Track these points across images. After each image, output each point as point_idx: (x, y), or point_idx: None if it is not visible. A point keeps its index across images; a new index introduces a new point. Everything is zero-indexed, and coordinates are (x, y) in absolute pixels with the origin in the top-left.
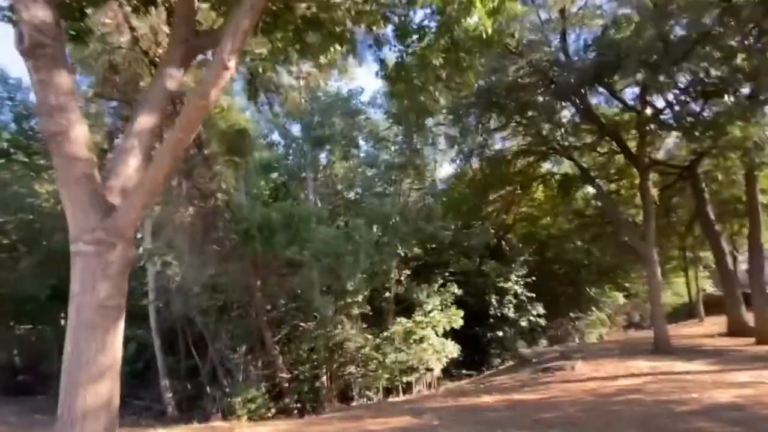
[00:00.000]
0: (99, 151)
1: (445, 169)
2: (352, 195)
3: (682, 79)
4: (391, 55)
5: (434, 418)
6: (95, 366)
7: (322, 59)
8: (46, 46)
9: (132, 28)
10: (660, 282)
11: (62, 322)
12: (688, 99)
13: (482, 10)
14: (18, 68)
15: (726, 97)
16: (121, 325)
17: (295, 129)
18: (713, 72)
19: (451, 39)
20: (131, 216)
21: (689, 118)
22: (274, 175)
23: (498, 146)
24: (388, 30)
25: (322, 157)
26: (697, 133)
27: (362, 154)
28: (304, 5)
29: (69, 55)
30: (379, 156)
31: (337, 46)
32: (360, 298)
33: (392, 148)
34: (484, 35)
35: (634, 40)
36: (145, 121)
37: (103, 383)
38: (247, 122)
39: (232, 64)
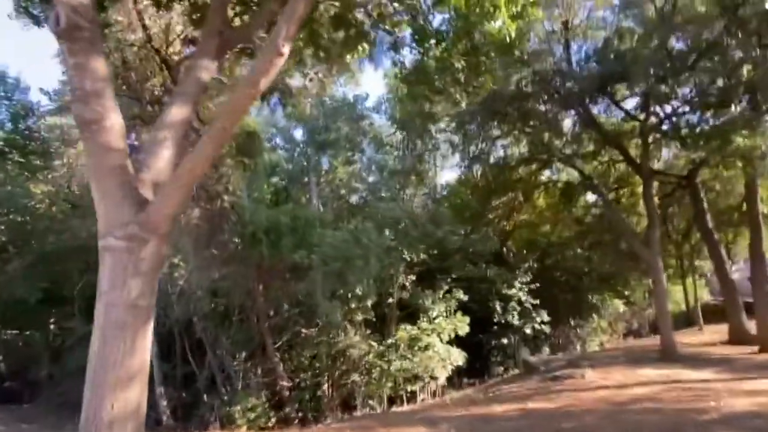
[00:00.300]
0: None
1: (446, 175)
2: (355, 199)
3: (686, 90)
4: (406, 58)
5: (450, 428)
6: (123, 369)
7: (348, 58)
8: (83, 29)
9: (145, 26)
10: (665, 290)
11: (51, 326)
12: (692, 109)
13: (506, 14)
14: (16, 67)
15: (732, 107)
16: (151, 327)
17: (298, 133)
18: (719, 83)
19: (471, 43)
20: (166, 210)
21: (695, 128)
22: (275, 179)
23: (500, 153)
24: (406, 33)
25: (326, 161)
26: (702, 143)
27: (365, 159)
28: (327, 3)
29: None
30: (385, 161)
31: (365, 45)
32: (369, 303)
33: (394, 153)
34: (508, 39)
35: (640, 50)
36: (177, 112)
37: (132, 388)
38: (256, 124)
39: (286, 50)
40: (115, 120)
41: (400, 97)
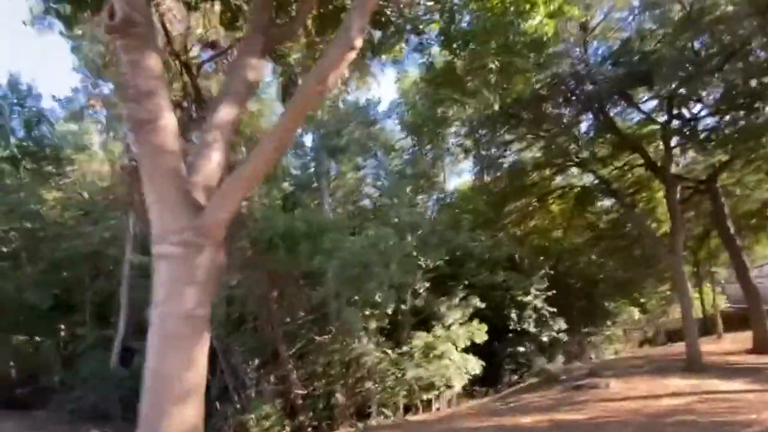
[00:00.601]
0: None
1: (455, 180)
2: (367, 204)
3: (714, 91)
4: (435, 59)
5: None
6: (181, 384)
7: (385, 57)
8: (138, 24)
9: (166, 30)
10: (691, 297)
11: (62, 333)
12: (719, 111)
13: (544, 12)
14: (28, 75)
15: (764, 108)
16: (208, 339)
17: (308, 137)
18: (751, 84)
19: (505, 41)
20: (223, 215)
21: (720, 131)
22: (284, 184)
23: (513, 158)
24: (432, 34)
25: (337, 166)
26: (730, 146)
27: (377, 164)
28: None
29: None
30: (400, 165)
31: (402, 45)
32: (389, 310)
33: (404, 158)
34: (545, 37)
35: (666, 51)
36: (226, 113)
37: (190, 405)
38: None
39: (358, 44)
40: (169, 120)
41: (413, 102)
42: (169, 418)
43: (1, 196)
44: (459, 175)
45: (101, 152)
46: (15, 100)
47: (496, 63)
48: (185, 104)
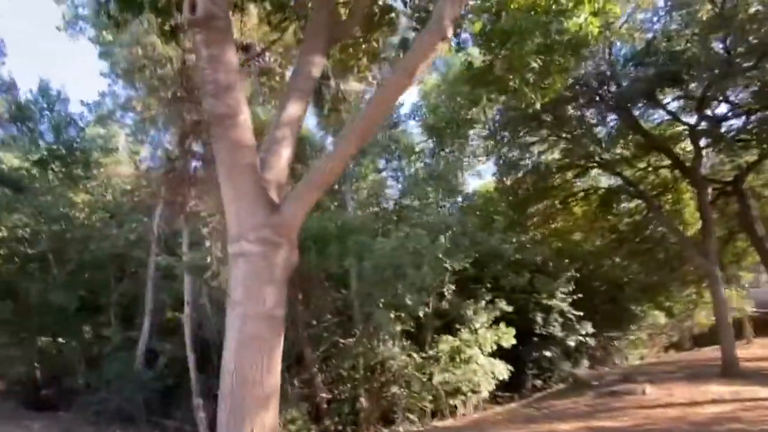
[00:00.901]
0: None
1: (473, 183)
2: (390, 206)
3: (745, 90)
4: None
5: None
6: (262, 388)
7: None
8: (219, 19)
9: None
10: (725, 301)
11: (86, 335)
12: (753, 110)
13: (589, 11)
14: (58, 81)
15: None
16: (282, 341)
17: (329, 139)
18: None
19: (547, 40)
20: (300, 212)
21: (753, 130)
22: None
23: (534, 159)
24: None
25: (358, 168)
26: (765, 145)
27: (400, 166)
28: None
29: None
30: (425, 167)
31: (451, 44)
32: (421, 313)
33: (426, 160)
34: (590, 36)
35: (698, 51)
36: (293, 109)
37: (270, 409)
38: (307, 131)
39: (450, 33)
40: (246, 114)
41: (435, 104)
42: (251, 423)
43: (31, 199)
44: (480, 176)
45: (127, 155)
46: (45, 105)
47: (538, 61)
48: None
